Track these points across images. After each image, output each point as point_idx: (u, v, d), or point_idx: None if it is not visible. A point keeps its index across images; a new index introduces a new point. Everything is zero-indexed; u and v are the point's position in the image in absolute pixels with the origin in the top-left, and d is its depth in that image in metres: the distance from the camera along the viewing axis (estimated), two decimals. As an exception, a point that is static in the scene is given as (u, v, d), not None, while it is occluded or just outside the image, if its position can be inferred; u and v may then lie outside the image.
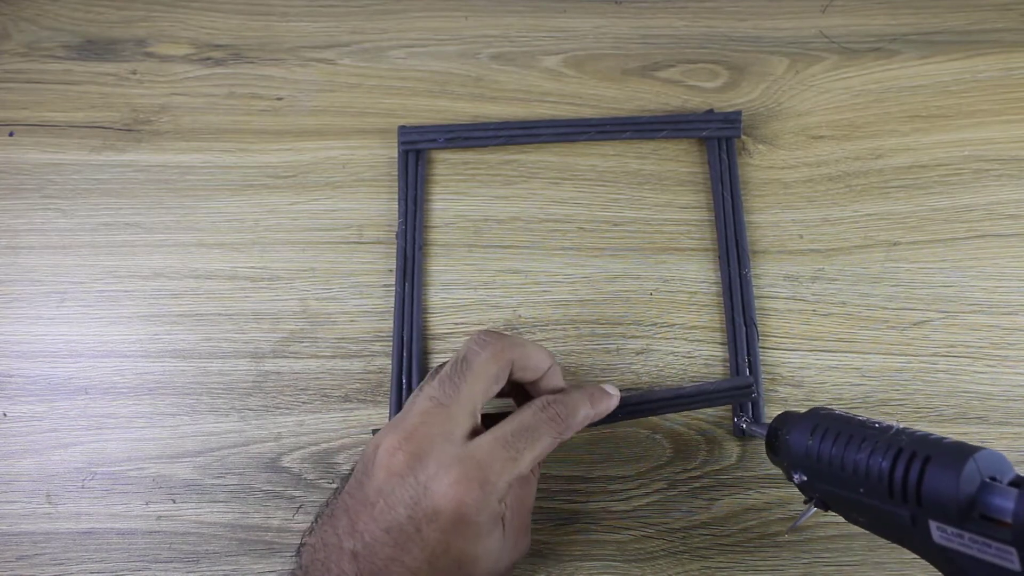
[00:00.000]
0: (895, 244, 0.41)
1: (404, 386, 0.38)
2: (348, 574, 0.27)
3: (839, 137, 0.43)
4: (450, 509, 0.27)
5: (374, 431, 0.37)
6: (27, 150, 0.44)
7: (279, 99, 0.45)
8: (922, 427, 0.37)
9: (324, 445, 0.38)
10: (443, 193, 0.43)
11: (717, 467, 0.37)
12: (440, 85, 0.45)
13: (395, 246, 0.41)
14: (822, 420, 0.29)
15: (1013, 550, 0.22)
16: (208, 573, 0.35)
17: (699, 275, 0.41)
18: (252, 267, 0.41)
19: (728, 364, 0.39)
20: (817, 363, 0.39)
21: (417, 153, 0.43)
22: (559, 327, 0.40)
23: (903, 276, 0.40)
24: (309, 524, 0.30)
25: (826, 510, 0.30)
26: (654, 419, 0.38)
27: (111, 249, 0.42)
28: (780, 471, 0.36)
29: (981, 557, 0.24)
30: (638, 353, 0.39)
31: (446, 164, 0.43)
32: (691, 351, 0.39)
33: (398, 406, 0.38)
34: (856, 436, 0.27)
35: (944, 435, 0.26)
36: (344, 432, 0.38)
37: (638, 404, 0.35)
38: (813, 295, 0.40)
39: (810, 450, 0.28)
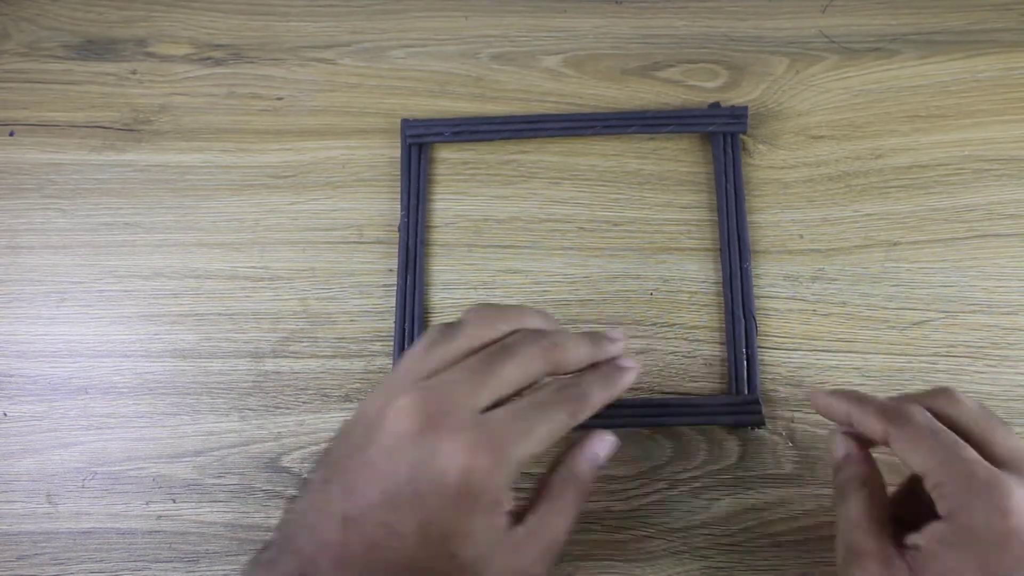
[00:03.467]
0: (895, 244, 0.41)
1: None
2: (334, 542, 0.26)
3: (839, 137, 0.43)
4: (456, 474, 0.26)
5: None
6: (27, 150, 0.44)
7: (279, 99, 0.45)
8: (922, 427, 0.37)
9: (324, 445, 0.38)
10: (443, 193, 0.43)
11: (717, 467, 0.37)
12: (440, 85, 0.45)
13: (395, 246, 0.41)
14: None
15: None
16: (208, 573, 0.35)
17: (699, 275, 0.41)
18: (252, 267, 0.41)
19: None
20: (817, 363, 0.39)
21: (420, 147, 0.43)
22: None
23: (903, 276, 0.40)
24: (291, 495, 0.28)
25: None
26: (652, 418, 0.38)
27: (111, 249, 0.42)
28: (780, 471, 0.37)
29: None
30: (638, 353, 0.39)
31: (446, 164, 0.43)
32: (692, 351, 0.39)
33: None
34: None
35: None
36: (344, 432, 0.38)
37: (639, 410, 0.36)
38: (813, 295, 0.40)
39: None
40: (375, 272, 0.41)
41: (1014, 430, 0.29)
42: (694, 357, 0.39)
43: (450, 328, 0.30)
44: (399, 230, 0.41)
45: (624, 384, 0.32)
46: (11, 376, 0.39)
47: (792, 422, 0.38)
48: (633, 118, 0.43)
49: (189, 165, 0.44)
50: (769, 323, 0.39)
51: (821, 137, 0.43)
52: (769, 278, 0.40)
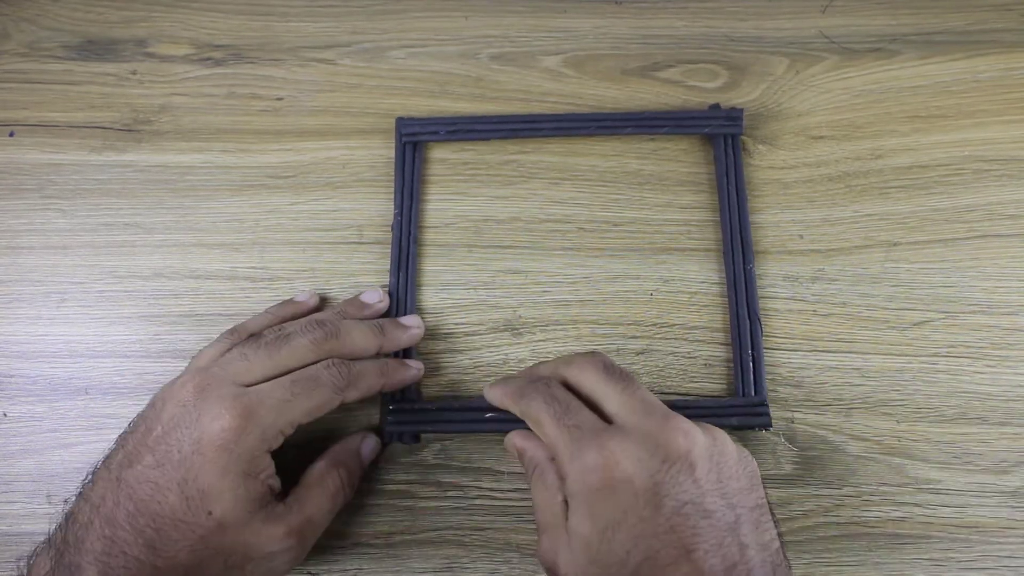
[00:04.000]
0: (895, 244, 0.41)
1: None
2: (107, 502, 0.29)
3: (839, 137, 0.43)
4: (212, 433, 0.29)
5: None
6: (27, 150, 0.44)
7: (279, 99, 0.45)
8: (922, 427, 0.37)
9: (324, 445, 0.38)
10: (443, 193, 0.43)
11: (717, 467, 0.37)
12: (440, 85, 0.45)
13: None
14: None
15: None
16: (208, 573, 0.35)
17: (699, 275, 0.41)
18: (252, 267, 0.41)
19: (729, 365, 0.39)
20: (817, 363, 0.39)
21: (415, 145, 0.43)
22: (559, 327, 0.40)
23: (903, 276, 0.40)
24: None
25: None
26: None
27: (111, 249, 0.42)
28: (780, 471, 0.37)
29: None
30: (638, 353, 0.39)
31: (446, 164, 0.43)
32: (691, 351, 0.39)
33: (383, 406, 0.38)
34: None
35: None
36: (344, 432, 0.38)
37: None
38: (813, 295, 0.40)
39: None
40: (375, 272, 0.41)
41: (637, 383, 0.31)
42: (694, 358, 0.39)
43: (235, 327, 0.35)
44: (392, 229, 0.41)
45: (401, 378, 0.36)
46: (11, 376, 0.39)
47: (792, 422, 0.38)
48: (629, 119, 0.43)
49: (189, 165, 0.44)
50: (769, 323, 0.39)
51: (821, 137, 0.43)
52: (769, 278, 0.40)
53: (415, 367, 0.37)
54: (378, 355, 0.36)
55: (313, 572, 0.35)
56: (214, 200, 0.43)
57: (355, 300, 0.39)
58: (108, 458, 0.31)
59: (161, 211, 0.43)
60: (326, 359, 0.33)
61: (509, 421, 0.34)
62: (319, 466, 0.34)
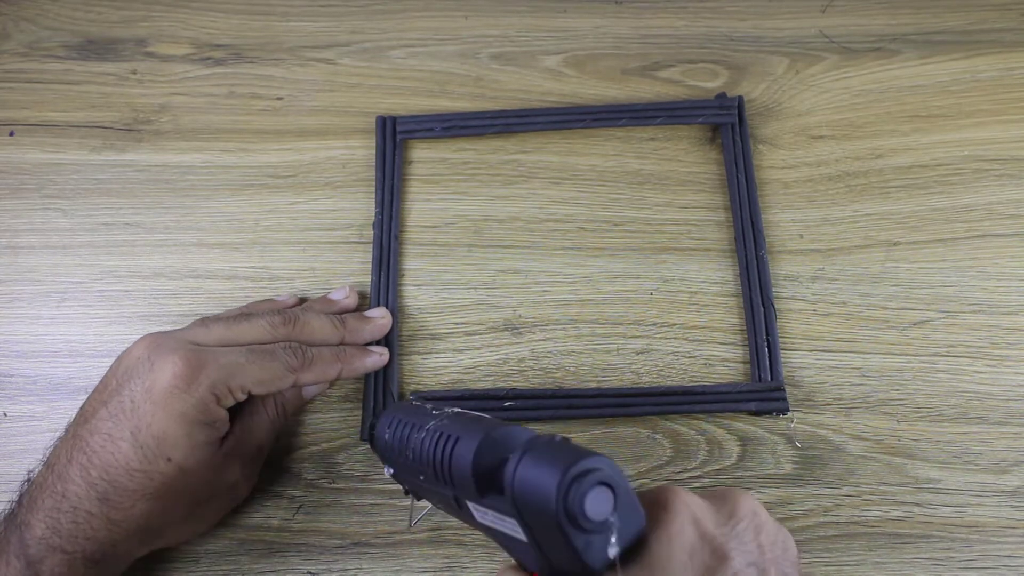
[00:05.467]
0: (895, 244, 0.41)
1: (376, 382, 0.38)
2: (62, 457, 0.29)
3: (839, 137, 0.43)
4: (163, 379, 0.29)
5: None
6: (27, 150, 0.44)
7: (279, 99, 0.45)
8: (922, 427, 0.37)
9: (324, 445, 0.38)
10: (443, 193, 0.43)
11: (717, 467, 0.37)
12: (440, 85, 0.45)
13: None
14: (398, 412, 0.29)
15: (514, 520, 0.22)
16: (208, 573, 0.35)
17: (699, 275, 0.41)
18: (252, 267, 0.41)
19: (728, 364, 0.39)
20: (817, 363, 0.39)
21: (395, 144, 0.43)
22: (559, 327, 0.40)
23: (903, 276, 0.40)
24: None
25: (418, 499, 0.31)
26: (654, 419, 0.38)
27: (111, 249, 0.42)
28: (780, 471, 0.37)
29: (507, 532, 0.24)
30: (638, 353, 0.39)
31: (446, 163, 0.43)
32: (691, 351, 0.39)
33: (372, 406, 0.38)
34: (416, 425, 0.27)
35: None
36: (344, 432, 0.38)
37: (663, 399, 0.37)
38: (813, 295, 0.40)
39: (388, 442, 0.28)
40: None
41: None
42: (694, 357, 0.39)
43: (207, 316, 0.35)
44: (373, 228, 0.41)
45: (361, 364, 0.36)
46: (11, 376, 0.39)
47: (792, 422, 0.38)
48: (623, 111, 0.43)
49: (189, 165, 0.44)
50: (769, 323, 0.39)
51: (821, 137, 0.43)
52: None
53: (376, 352, 0.37)
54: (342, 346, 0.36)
55: (313, 572, 0.35)
56: (214, 200, 0.43)
57: (322, 298, 0.39)
58: (68, 423, 0.31)
59: (161, 211, 0.43)
60: (284, 342, 0.33)
61: (527, 409, 0.36)
62: (256, 399, 0.34)
